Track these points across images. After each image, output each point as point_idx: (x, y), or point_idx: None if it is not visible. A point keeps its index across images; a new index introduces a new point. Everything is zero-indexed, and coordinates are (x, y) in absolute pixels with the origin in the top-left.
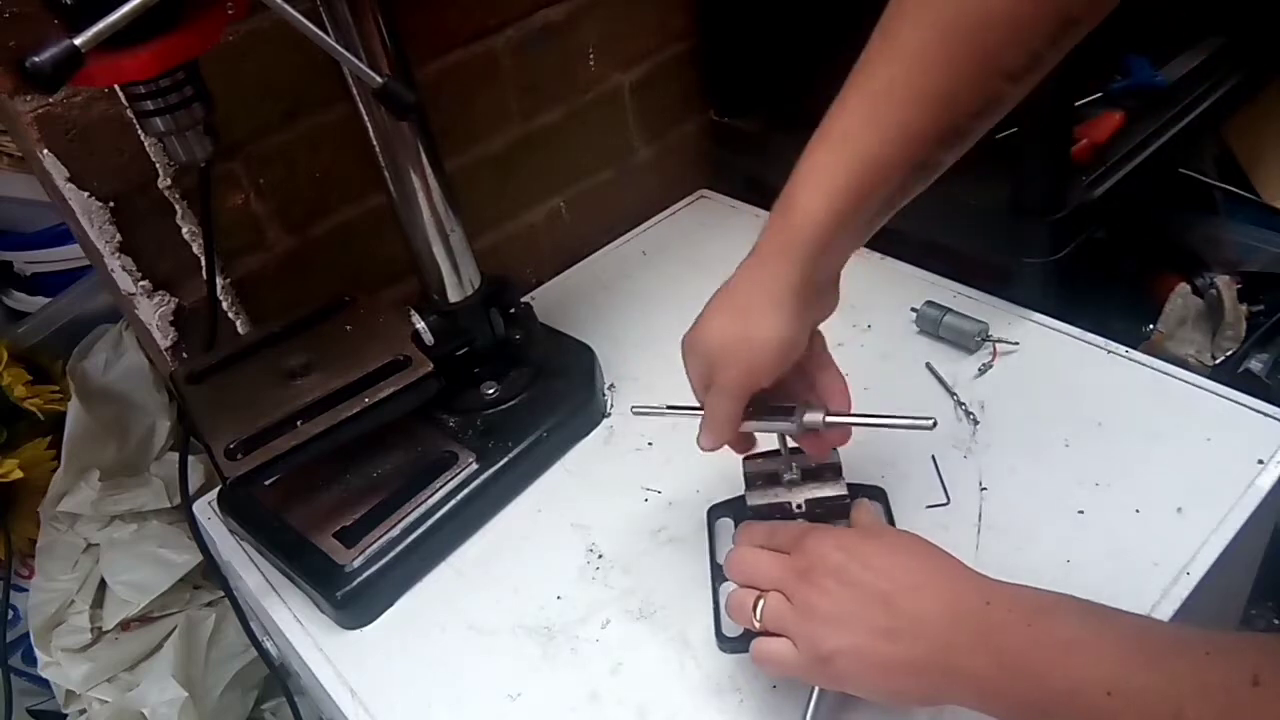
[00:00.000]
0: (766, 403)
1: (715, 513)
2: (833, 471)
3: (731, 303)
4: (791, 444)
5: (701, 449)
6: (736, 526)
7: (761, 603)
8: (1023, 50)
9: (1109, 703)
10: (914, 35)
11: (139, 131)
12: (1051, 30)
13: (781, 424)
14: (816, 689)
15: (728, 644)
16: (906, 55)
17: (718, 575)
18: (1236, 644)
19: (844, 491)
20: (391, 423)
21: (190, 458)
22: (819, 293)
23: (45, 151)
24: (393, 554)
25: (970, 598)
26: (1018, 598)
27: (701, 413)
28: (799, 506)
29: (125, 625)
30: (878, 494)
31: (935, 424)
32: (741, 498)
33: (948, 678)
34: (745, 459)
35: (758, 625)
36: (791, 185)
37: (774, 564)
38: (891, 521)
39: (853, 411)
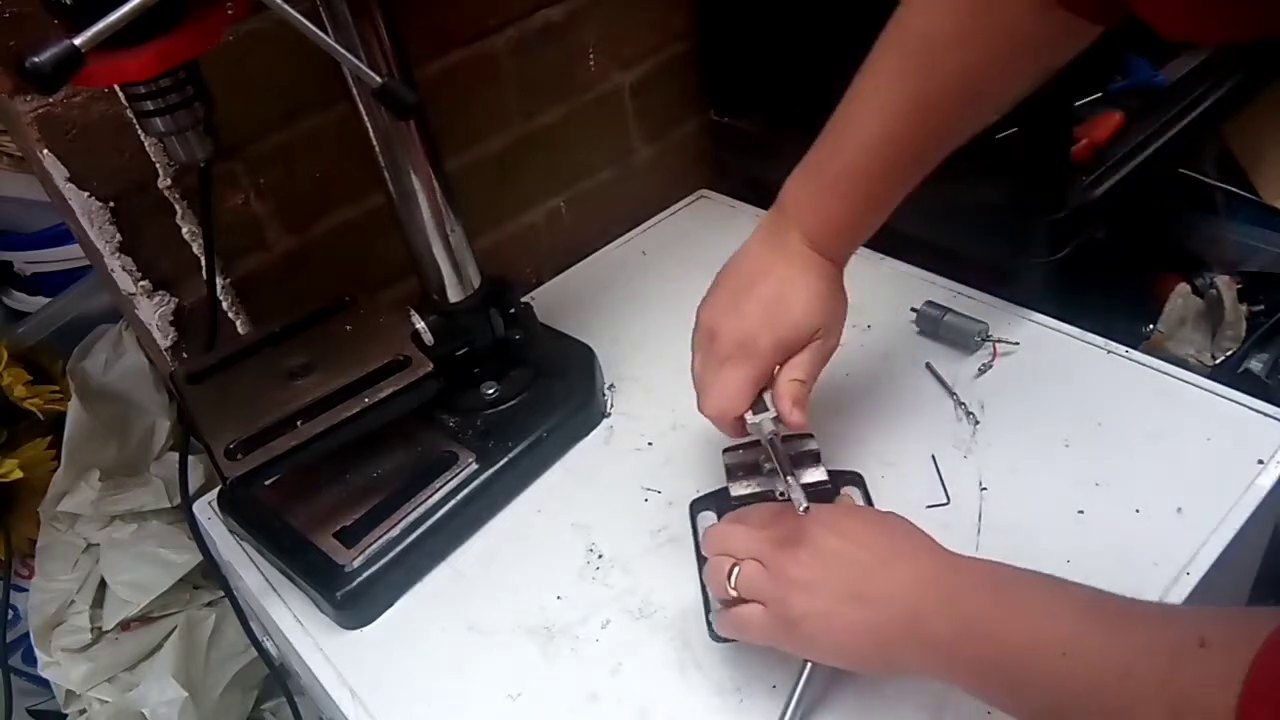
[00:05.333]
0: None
1: (697, 506)
2: (812, 459)
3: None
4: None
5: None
6: (719, 519)
7: (737, 570)
8: None
9: (1063, 662)
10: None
11: (139, 131)
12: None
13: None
14: (805, 675)
15: (720, 636)
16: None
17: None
18: (1189, 612)
19: (825, 477)
20: (391, 423)
21: (190, 458)
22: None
23: (45, 151)
24: (393, 554)
25: (940, 568)
26: (984, 568)
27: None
28: (782, 494)
29: (125, 625)
30: (855, 479)
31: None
32: (724, 490)
33: (910, 643)
34: (725, 451)
35: (733, 592)
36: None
37: (750, 535)
38: (870, 505)
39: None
